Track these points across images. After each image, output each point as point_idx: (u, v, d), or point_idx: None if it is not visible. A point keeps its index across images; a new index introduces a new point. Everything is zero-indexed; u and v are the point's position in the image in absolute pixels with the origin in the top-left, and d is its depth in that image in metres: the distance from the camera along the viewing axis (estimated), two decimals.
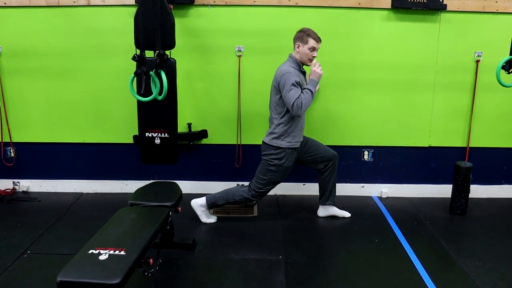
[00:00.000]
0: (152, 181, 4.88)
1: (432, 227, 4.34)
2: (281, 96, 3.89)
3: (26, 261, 3.63)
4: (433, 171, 5.04)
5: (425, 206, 4.83)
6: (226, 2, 4.55)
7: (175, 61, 4.05)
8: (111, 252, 2.62)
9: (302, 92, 3.84)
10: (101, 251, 2.63)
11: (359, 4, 4.55)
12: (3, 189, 5.03)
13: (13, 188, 5.08)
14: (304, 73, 4.05)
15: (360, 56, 4.71)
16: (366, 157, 5.00)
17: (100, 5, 4.56)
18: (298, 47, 3.95)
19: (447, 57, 4.71)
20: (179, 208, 3.61)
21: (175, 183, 3.87)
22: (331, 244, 4.04)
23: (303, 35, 3.93)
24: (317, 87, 4.00)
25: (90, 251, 2.64)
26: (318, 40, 3.93)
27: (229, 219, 4.45)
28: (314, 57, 3.96)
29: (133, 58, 3.67)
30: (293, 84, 3.80)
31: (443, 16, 4.61)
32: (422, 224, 4.40)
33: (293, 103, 3.78)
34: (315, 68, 3.88)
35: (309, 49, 3.92)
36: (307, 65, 4.01)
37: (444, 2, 4.51)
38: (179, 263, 3.63)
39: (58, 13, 4.60)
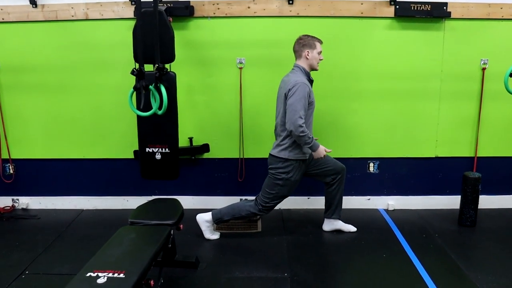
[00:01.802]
0: (153, 196, 4.82)
1: (441, 240, 4.22)
2: None
3: (24, 282, 3.53)
4: (440, 182, 4.93)
5: (433, 218, 4.72)
6: (226, 14, 4.48)
7: (175, 74, 3.97)
8: (110, 275, 2.52)
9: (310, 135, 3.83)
10: (100, 274, 2.53)
11: (362, 13, 4.48)
12: (2, 206, 4.96)
13: (12, 205, 5.00)
14: (312, 82, 3.97)
15: (364, 66, 4.63)
16: (371, 169, 4.90)
17: (98, 19, 4.50)
18: (307, 53, 3.88)
19: (452, 65, 4.63)
20: (181, 226, 3.52)
21: (176, 199, 3.77)
22: (338, 260, 3.92)
23: (309, 40, 3.88)
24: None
25: (88, 274, 2.55)
26: (321, 42, 3.96)
27: (232, 235, 4.34)
28: (321, 60, 3.95)
29: (132, 73, 3.60)
30: (304, 97, 3.74)
31: (448, 23, 4.53)
32: (431, 237, 4.28)
33: (299, 119, 3.70)
34: (322, 152, 3.91)
35: (318, 53, 3.90)
36: (316, 69, 3.97)
37: (448, 10, 4.44)
38: (181, 282, 3.52)
39: (56, 27, 4.55)
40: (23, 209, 4.99)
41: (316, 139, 3.99)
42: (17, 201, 5.00)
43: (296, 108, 3.71)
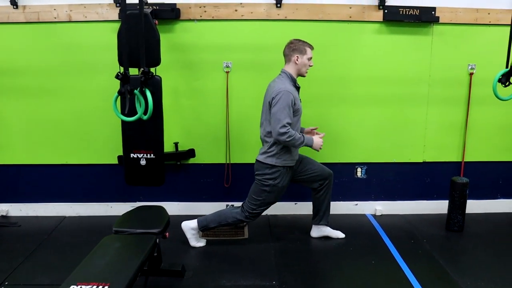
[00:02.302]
0: (138, 203, 4.78)
1: (429, 245, 4.20)
2: None
3: None
4: (428, 187, 4.92)
5: (420, 223, 4.70)
6: (213, 17, 4.41)
7: (160, 78, 3.89)
8: (94, 287, 2.42)
9: (300, 134, 3.77)
10: (83, 287, 2.43)
11: (350, 17, 4.44)
12: None
13: None
14: (299, 88, 3.91)
15: (352, 70, 4.59)
16: (359, 174, 4.87)
17: (82, 21, 4.40)
18: (297, 58, 3.81)
19: (440, 70, 4.62)
20: (167, 234, 3.43)
21: (162, 207, 3.68)
22: (326, 267, 3.86)
23: (300, 45, 3.81)
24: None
25: (71, 287, 2.44)
26: (313, 48, 3.87)
27: (219, 242, 4.26)
28: (311, 66, 3.87)
29: (117, 77, 3.51)
30: (288, 106, 3.66)
31: (436, 28, 4.52)
32: (419, 243, 4.26)
33: (283, 127, 3.63)
34: (321, 142, 3.88)
35: (308, 58, 3.83)
36: (304, 76, 3.90)
37: (437, 14, 4.43)
38: None
39: (38, 29, 4.43)
40: (2, 216, 4.84)
41: (316, 128, 4.01)
42: None
43: (280, 117, 3.65)
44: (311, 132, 4.06)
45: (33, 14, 4.36)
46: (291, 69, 3.84)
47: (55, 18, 4.38)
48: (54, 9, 4.36)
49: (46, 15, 4.37)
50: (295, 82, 3.86)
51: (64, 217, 4.85)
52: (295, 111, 3.78)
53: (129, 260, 2.77)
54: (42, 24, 4.41)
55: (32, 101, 4.58)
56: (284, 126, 3.63)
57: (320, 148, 3.88)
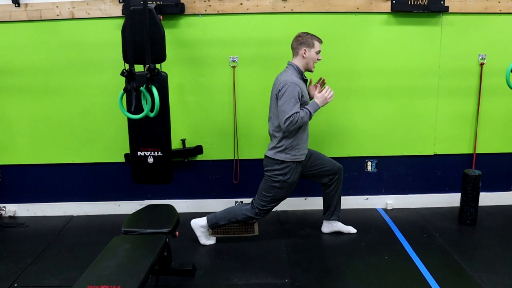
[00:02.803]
0: (146, 201, 4.75)
1: (442, 239, 4.13)
2: None
3: None
4: (439, 180, 4.84)
5: (433, 217, 4.63)
6: (218, 11, 4.33)
7: (166, 75, 3.84)
8: None
9: (302, 109, 3.64)
10: None
11: (358, 8, 4.36)
12: None
13: None
14: (306, 81, 3.84)
15: (360, 63, 4.52)
16: (369, 168, 4.80)
17: (85, 18, 4.33)
18: (304, 52, 3.73)
19: (450, 61, 4.53)
20: (177, 233, 3.38)
21: (171, 205, 3.63)
22: (339, 264, 3.80)
23: (308, 39, 3.73)
24: None
25: None
26: (321, 42, 3.78)
27: (229, 239, 4.21)
28: (319, 60, 3.79)
29: (122, 74, 3.45)
30: (294, 97, 3.59)
31: (445, 18, 4.43)
32: (431, 237, 4.19)
33: (289, 117, 3.56)
34: (326, 94, 3.73)
35: (316, 52, 3.75)
36: (311, 71, 3.81)
37: (446, 4, 4.34)
38: None
39: (41, 27, 4.37)
40: (10, 216, 4.81)
41: (322, 80, 3.97)
42: (3, 208, 4.81)
43: (286, 109, 3.59)
44: (315, 87, 3.96)
45: (35, 12, 4.30)
46: (298, 62, 3.78)
47: (57, 15, 4.31)
48: (57, 7, 4.29)
49: (48, 12, 4.30)
50: (302, 74, 3.79)
51: (72, 216, 4.80)
52: (303, 104, 3.71)
53: (140, 261, 2.71)
54: (44, 22, 4.34)
55: (37, 100, 4.53)
56: (290, 117, 3.58)
57: (330, 98, 3.76)
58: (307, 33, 3.76)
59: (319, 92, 3.81)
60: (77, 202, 4.82)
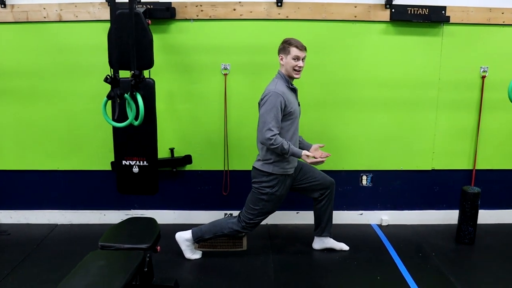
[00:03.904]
0: (132, 211, 4.63)
1: (438, 259, 3.96)
2: None
3: None
4: (437, 196, 4.68)
5: (429, 234, 4.46)
6: (210, 16, 4.19)
7: (153, 81, 3.70)
8: None
9: (288, 143, 3.51)
10: None
11: (355, 17, 4.21)
12: None
13: None
14: (294, 90, 3.69)
15: (357, 73, 4.36)
16: (364, 182, 4.63)
17: (72, 21, 4.20)
18: (281, 59, 3.60)
19: (450, 73, 4.38)
20: (158, 248, 3.21)
21: (152, 219, 3.46)
22: (328, 284, 3.63)
23: (284, 45, 3.59)
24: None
25: None
26: (301, 48, 3.57)
27: (215, 254, 4.05)
28: (300, 67, 3.58)
29: (106, 80, 3.30)
30: (275, 107, 3.45)
31: (446, 28, 4.28)
32: (427, 256, 4.02)
33: (268, 131, 3.45)
34: (313, 160, 3.55)
35: (293, 58, 3.55)
36: (294, 77, 3.64)
37: (447, 14, 4.19)
38: None
39: (28, 29, 4.23)
40: None
41: (322, 146, 3.85)
42: None
43: (266, 120, 3.47)
44: (316, 149, 3.83)
45: (21, 14, 4.17)
46: (282, 70, 3.64)
47: (44, 17, 4.18)
48: (44, 8, 4.16)
49: (35, 14, 4.17)
50: (289, 82, 3.63)
51: (56, 225, 4.65)
52: (288, 114, 3.56)
53: (113, 280, 2.55)
54: (31, 24, 4.21)
55: (22, 104, 4.39)
56: (269, 129, 3.44)
57: (313, 162, 3.57)
58: (288, 39, 3.60)
59: (315, 157, 3.59)
60: (61, 210, 4.66)
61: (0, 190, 4.63)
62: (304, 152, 3.57)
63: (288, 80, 3.62)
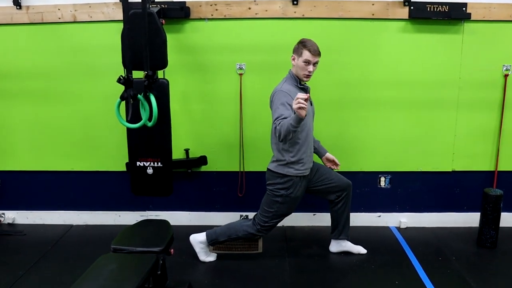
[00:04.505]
0: (147, 212, 4.64)
1: (459, 264, 3.85)
2: None
3: None
4: (457, 198, 4.56)
5: (449, 237, 4.35)
6: (225, 15, 4.14)
7: (167, 82, 3.66)
8: None
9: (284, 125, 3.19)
10: None
11: (373, 15, 4.12)
12: None
13: None
14: (304, 89, 3.59)
15: (374, 72, 4.27)
16: (382, 183, 4.54)
17: (87, 21, 4.18)
18: (293, 59, 3.52)
19: (471, 72, 4.25)
20: (172, 251, 3.17)
21: (166, 221, 3.41)
22: None
23: (299, 45, 3.49)
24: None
25: None
26: (314, 53, 3.44)
27: (230, 256, 3.99)
28: (310, 72, 3.48)
29: (118, 81, 3.25)
30: (282, 104, 3.36)
31: (467, 26, 4.16)
32: (447, 260, 3.91)
33: (274, 125, 3.36)
34: (293, 103, 3.03)
35: (304, 62, 3.45)
36: (303, 80, 3.55)
37: (468, 11, 4.07)
38: None
39: (43, 30, 4.23)
40: (9, 224, 4.67)
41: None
42: (2, 215, 4.68)
43: (272, 118, 3.42)
44: (332, 160, 3.89)
45: (37, 15, 4.16)
46: (293, 69, 3.56)
47: (59, 18, 4.17)
48: (58, 9, 4.15)
49: (50, 15, 4.17)
50: (298, 82, 3.54)
51: (71, 226, 4.65)
52: None
53: (123, 285, 2.51)
54: (46, 25, 4.21)
55: (37, 105, 4.40)
56: (274, 125, 3.35)
57: (301, 108, 2.95)
58: (306, 41, 3.48)
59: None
60: (77, 211, 4.67)
61: (16, 190, 4.65)
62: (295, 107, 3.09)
63: (297, 79, 3.54)
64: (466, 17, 4.09)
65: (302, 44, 3.47)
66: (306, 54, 3.43)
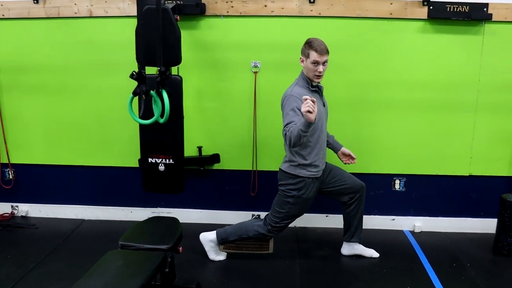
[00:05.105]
0: (159, 208, 4.63)
1: (474, 271, 3.76)
2: None
3: None
4: (474, 203, 4.46)
5: (464, 243, 4.25)
6: (240, 13, 4.10)
7: (181, 78, 3.63)
8: None
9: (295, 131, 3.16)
10: None
11: (391, 14, 4.04)
12: (1, 213, 4.68)
13: (12, 213, 4.72)
14: (317, 90, 3.54)
15: (392, 73, 4.20)
16: (397, 186, 4.46)
17: (102, 17, 4.19)
18: (302, 61, 3.46)
19: (491, 74, 4.15)
20: (180, 249, 3.16)
21: (175, 219, 3.39)
22: None
23: (305, 47, 3.42)
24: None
25: None
26: (321, 52, 3.35)
27: (240, 256, 3.96)
28: (320, 72, 3.40)
29: (131, 76, 3.25)
30: (292, 109, 3.30)
31: (488, 27, 4.06)
32: (462, 267, 3.82)
33: (284, 131, 3.30)
34: (302, 107, 3.02)
35: (312, 63, 3.38)
36: (314, 82, 3.49)
37: (489, 11, 3.97)
38: None
39: (59, 25, 4.25)
40: (22, 216, 4.71)
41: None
42: (16, 208, 4.72)
43: (283, 124, 3.36)
44: (348, 155, 3.83)
45: (53, 9, 4.18)
46: (304, 70, 3.51)
47: (75, 13, 4.18)
48: (75, 4, 4.16)
49: (66, 10, 4.18)
50: (310, 84, 3.48)
51: (83, 220, 4.66)
52: None
53: (130, 281, 2.49)
54: (62, 19, 4.23)
55: (52, 100, 4.42)
56: (284, 131, 3.30)
57: (309, 111, 2.94)
58: (312, 40, 3.40)
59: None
60: (89, 206, 4.68)
61: (29, 183, 4.68)
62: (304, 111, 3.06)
63: (309, 81, 3.48)
64: (487, 18, 3.99)
65: (308, 45, 3.40)
66: (314, 55, 3.36)
